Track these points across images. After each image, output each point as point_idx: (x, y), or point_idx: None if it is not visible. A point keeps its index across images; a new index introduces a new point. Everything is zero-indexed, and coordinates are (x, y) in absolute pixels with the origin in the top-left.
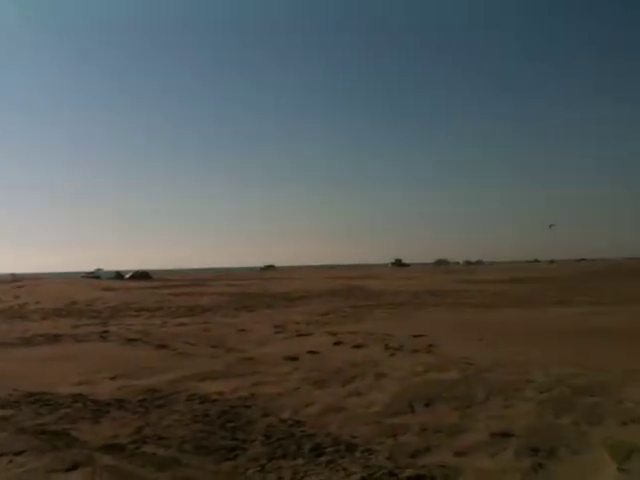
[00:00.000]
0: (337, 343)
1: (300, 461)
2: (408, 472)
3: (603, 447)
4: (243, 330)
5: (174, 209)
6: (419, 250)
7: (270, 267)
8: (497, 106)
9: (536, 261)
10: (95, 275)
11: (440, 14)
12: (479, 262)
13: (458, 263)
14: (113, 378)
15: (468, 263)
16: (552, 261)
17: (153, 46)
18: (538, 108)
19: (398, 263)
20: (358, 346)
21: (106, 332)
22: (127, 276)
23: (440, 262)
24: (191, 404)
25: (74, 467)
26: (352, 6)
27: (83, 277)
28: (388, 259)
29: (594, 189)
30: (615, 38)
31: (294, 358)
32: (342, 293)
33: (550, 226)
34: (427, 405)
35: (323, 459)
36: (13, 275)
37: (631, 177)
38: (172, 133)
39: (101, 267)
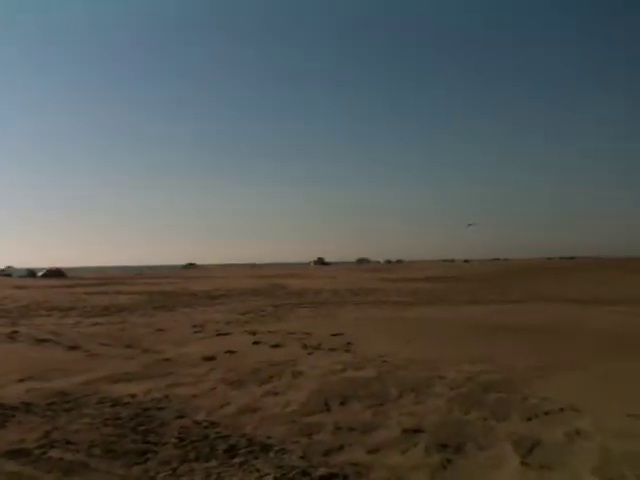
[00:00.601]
0: (256, 342)
1: (213, 463)
2: (321, 471)
3: (508, 442)
4: (160, 330)
5: (94, 206)
6: (341, 249)
7: (192, 265)
8: (416, 106)
9: (452, 260)
10: (6, 273)
11: None
12: (399, 261)
13: (379, 262)
14: (21, 380)
15: (388, 262)
16: (467, 260)
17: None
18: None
19: (321, 262)
20: (277, 345)
21: (15, 332)
22: (40, 274)
23: (361, 261)
24: (102, 407)
25: None
26: None
27: None
28: (311, 258)
29: (508, 190)
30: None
31: (211, 358)
32: (264, 292)
33: (469, 225)
34: (342, 403)
35: (237, 460)
36: None
37: (542, 179)
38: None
39: (12, 264)
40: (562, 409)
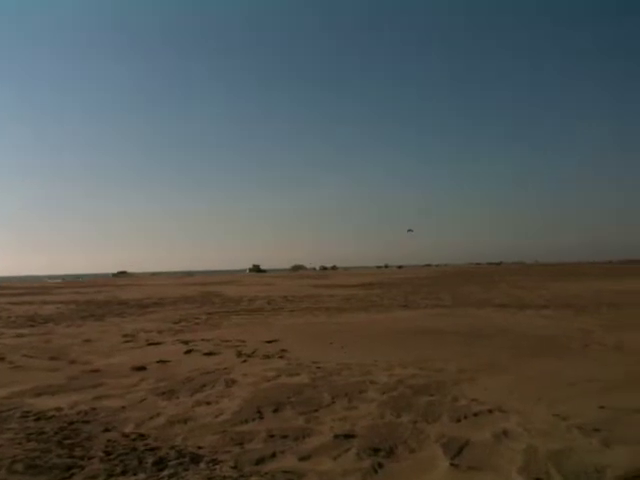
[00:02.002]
0: (188, 351)
1: (141, 476)
2: None
3: (438, 444)
4: (88, 340)
5: (24, 213)
6: (277, 256)
7: (123, 273)
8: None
9: (386, 266)
10: None
11: None
12: (334, 267)
13: (314, 269)
14: None
15: (324, 268)
16: (400, 266)
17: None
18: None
19: (256, 269)
20: (210, 353)
21: None
22: None
23: (297, 268)
24: (25, 421)
25: None
26: None
27: None
28: (247, 265)
29: (440, 198)
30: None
31: (142, 368)
32: (198, 300)
33: (408, 230)
34: (276, 410)
35: (166, 473)
36: None
37: (470, 185)
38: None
39: None
40: (490, 410)
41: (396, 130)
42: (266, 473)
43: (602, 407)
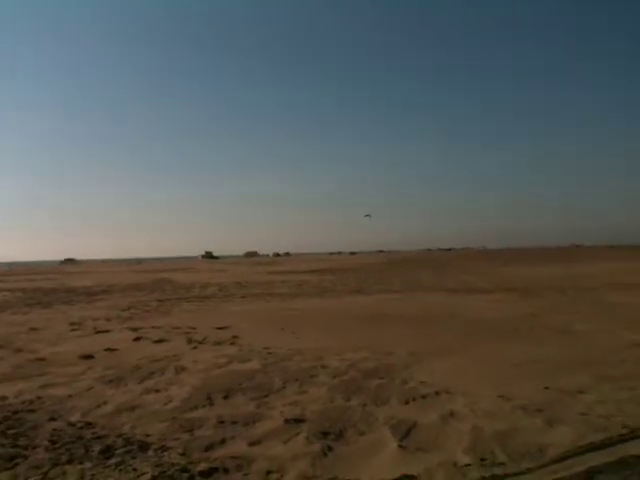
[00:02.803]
0: (137, 339)
1: (87, 465)
2: (201, 466)
3: (387, 426)
4: (34, 329)
5: None
6: (231, 242)
7: (70, 260)
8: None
9: (339, 253)
10: None
11: None
12: (287, 254)
13: (268, 255)
14: None
15: (277, 255)
16: (353, 253)
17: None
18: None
19: (209, 255)
20: (160, 341)
21: None
22: None
23: (250, 254)
24: None
25: None
26: None
27: None
28: (200, 252)
29: (394, 185)
30: None
31: (89, 357)
32: (148, 287)
33: (366, 216)
34: (226, 397)
35: (113, 461)
36: None
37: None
38: None
39: None
40: (438, 392)
41: (353, 119)
42: (215, 459)
43: (546, 388)
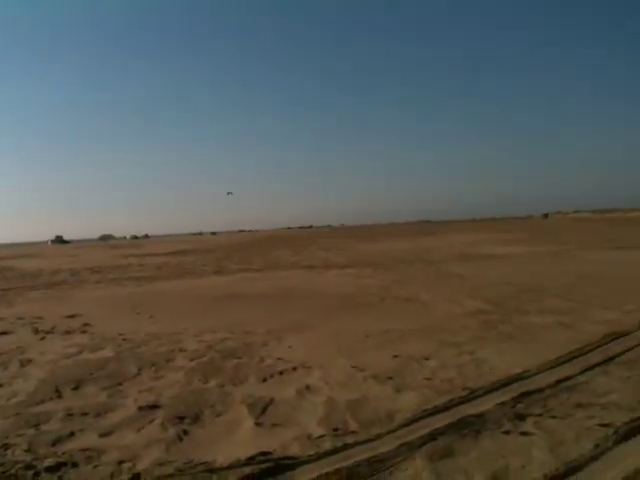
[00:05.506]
0: None
1: None
2: (48, 462)
3: (244, 405)
4: None
5: None
6: (84, 226)
7: None
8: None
9: (201, 234)
10: None
11: None
12: (146, 236)
13: (125, 238)
14: None
15: (135, 238)
16: (214, 233)
17: None
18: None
19: (59, 240)
20: (2, 333)
21: None
22: None
23: (105, 237)
24: None
25: None
26: None
27: None
28: (49, 237)
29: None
30: None
31: None
32: None
33: (228, 193)
34: (76, 388)
35: None
36: None
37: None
38: None
39: None
40: (295, 368)
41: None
42: (63, 453)
43: (396, 356)
